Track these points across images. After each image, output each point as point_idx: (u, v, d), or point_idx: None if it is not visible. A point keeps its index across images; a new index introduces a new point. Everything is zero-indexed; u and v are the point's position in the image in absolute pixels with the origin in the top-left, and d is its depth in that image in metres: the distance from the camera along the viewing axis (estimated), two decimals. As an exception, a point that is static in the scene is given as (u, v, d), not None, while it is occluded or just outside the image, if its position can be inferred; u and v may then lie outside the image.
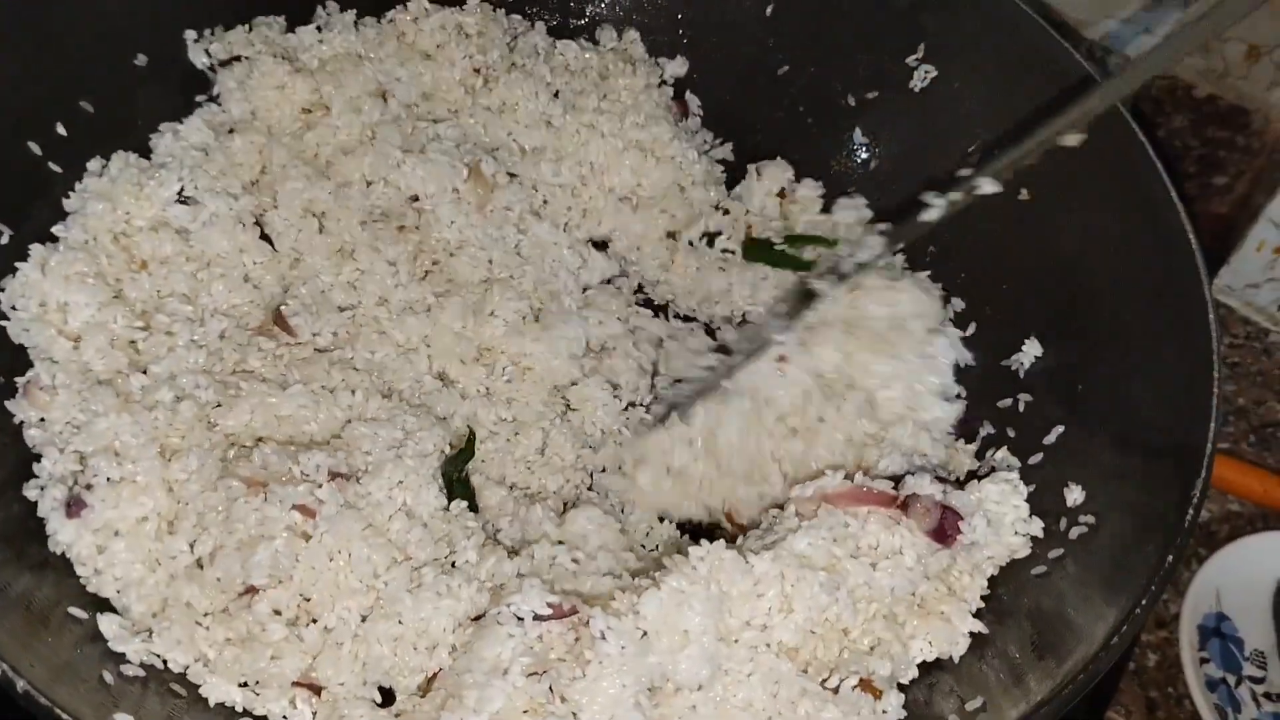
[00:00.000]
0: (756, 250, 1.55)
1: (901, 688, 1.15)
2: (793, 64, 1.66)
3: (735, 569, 1.12)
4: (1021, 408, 1.38)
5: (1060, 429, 1.32)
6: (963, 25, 1.51)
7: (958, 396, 1.43)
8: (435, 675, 1.14)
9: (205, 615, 1.13)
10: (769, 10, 1.65)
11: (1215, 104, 1.77)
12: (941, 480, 1.25)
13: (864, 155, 1.64)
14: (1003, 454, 1.35)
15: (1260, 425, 1.73)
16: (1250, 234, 1.71)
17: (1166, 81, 1.78)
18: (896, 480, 1.26)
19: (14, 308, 1.25)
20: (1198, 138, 1.80)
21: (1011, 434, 1.37)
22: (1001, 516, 1.24)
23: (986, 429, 1.40)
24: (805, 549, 1.16)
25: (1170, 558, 1.09)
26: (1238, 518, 1.64)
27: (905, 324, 1.41)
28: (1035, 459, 1.32)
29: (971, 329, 1.47)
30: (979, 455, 1.39)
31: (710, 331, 1.55)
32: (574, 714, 1.05)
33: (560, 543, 1.26)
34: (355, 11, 1.57)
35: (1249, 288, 1.77)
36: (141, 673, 1.09)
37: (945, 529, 1.21)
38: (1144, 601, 1.07)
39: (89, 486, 1.15)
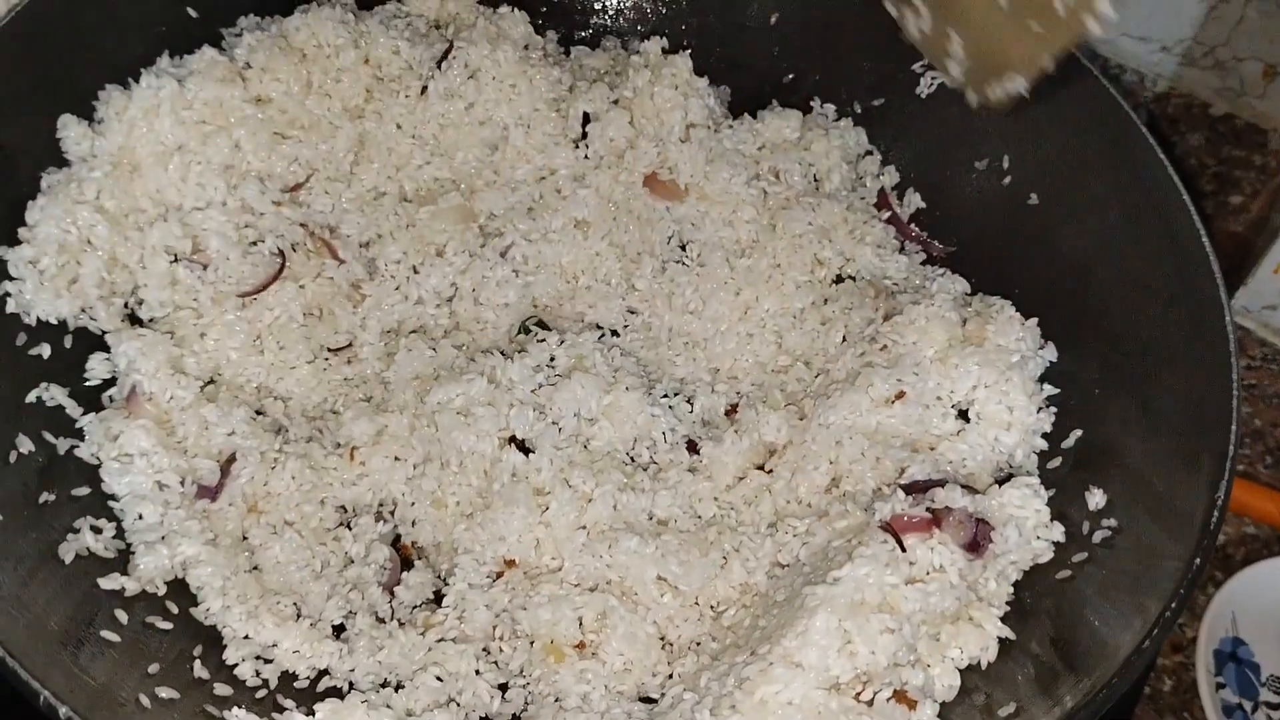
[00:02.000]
0: None
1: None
2: (798, 71, 1.66)
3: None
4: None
5: (1078, 433, 1.31)
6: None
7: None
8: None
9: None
10: (774, 19, 1.65)
11: (1231, 123, 1.75)
12: (968, 489, 1.24)
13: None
14: (1021, 456, 1.33)
15: (1277, 447, 1.70)
16: (1268, 255, 1.69)
17: (1183, 99, 1.77)
18: (916, 488, 1.25)
19: None
20: (1214, 156, 1.79)
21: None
22: (1023, 521, 1.23)
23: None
24: (859, 585, 1.15)
25: (1197, 560, 1.08)
26: (1254, 541, 1.61)
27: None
28: (1054, 463, 1.31)
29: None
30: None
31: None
32: None
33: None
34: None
35: (1266, 309, 1.75)
36: (176, 694, 1.10)
37: (978, 541, 1.21)
38: (1174, 605, 1.06)
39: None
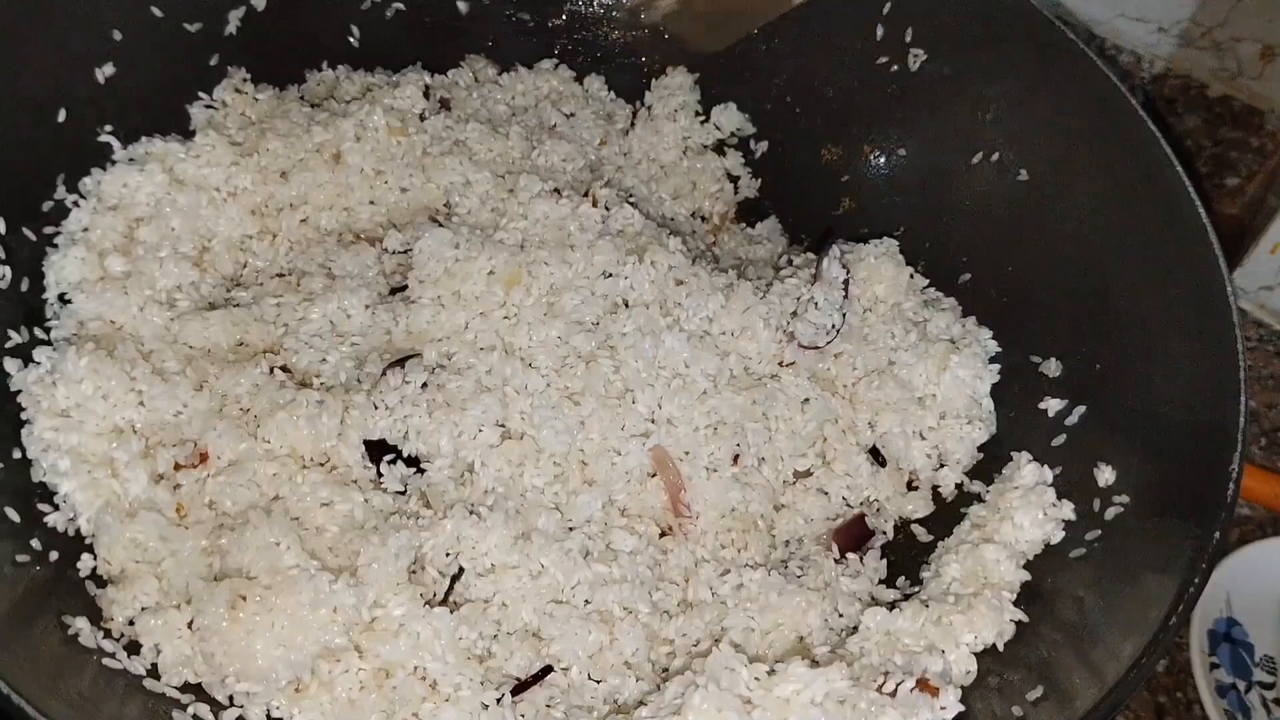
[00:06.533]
0: None
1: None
2: (776, 55, 1.61)
3: None
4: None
5: (1082, 409, 1.30)
6: (948, 13, 1.47)
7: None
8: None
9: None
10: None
11: (1228, 104, 1.75)
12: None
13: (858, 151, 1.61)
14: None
15: (1272, 429, 1.71)
16: (1264, 236, 1.69)
17: (1179, 81, 1.77)
18: None
19: None
20: (1210, 138, 1.79)
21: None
22: (1030, 502, 1.23)
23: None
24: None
25: (1216, 532, 1.06)
26: (1248, 522, 1.62)
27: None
28: (1059, 440, 1.30)
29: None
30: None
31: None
32: None
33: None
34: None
35: (1262, 290, 1.75)
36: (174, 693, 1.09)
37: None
38: (1196, 580, 1.05)
39: None
